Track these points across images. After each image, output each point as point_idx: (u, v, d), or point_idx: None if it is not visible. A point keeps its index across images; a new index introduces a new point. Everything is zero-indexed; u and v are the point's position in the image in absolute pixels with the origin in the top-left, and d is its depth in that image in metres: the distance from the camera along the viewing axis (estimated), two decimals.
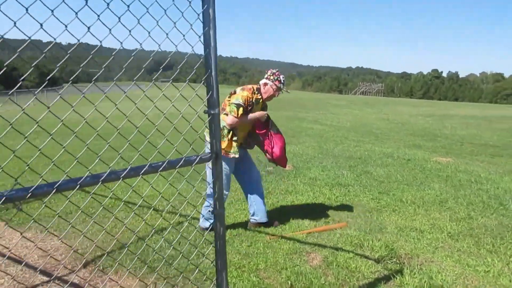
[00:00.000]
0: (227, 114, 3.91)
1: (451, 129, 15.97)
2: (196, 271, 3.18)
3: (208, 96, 1.92)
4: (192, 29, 1.85)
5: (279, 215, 4.71)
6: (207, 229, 4.09)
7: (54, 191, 1.54)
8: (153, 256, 3.54)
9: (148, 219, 4.49)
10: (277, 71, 4.14)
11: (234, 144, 3.97)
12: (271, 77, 4.09)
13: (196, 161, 1.89)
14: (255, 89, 4.08)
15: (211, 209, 4.13)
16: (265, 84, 4.10)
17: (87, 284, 3.21)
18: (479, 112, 30.71)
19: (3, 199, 1.43)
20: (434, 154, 9.21)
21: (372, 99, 52.68)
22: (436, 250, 3.82)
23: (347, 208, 5.07)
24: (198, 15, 1.86)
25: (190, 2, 1.83)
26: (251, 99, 3.99)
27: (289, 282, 3.18)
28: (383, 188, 6.00)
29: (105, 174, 1.63)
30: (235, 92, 4.03)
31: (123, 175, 1.68)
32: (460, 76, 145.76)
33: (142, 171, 1.73)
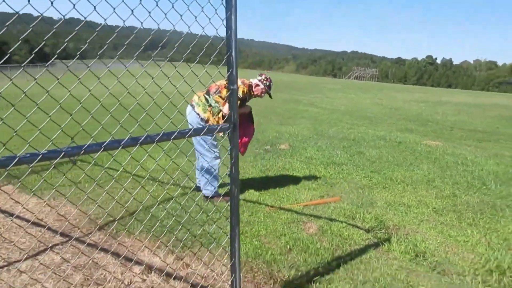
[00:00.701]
0: (224, 99, 4.32)
1: (442, 115, 16.37)
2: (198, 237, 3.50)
3: (229, 73, 2.19)
4: (217, 14, 2.11)
5: (277, 190, 5.02)
6: (208, 196, 4.55)
7: (102, 149, 1.82)
8: (160, 222, 3.85)
9: (155, 191, 4.79)
10: (269, 78, 4.68)
11: (221, 122, 4.31)
12: (264, 82, 4.59)
13: (217, 129, 2.17)
14: (251, 85, 4.58)
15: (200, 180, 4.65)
16: (257, 85, 4.60)
17: (100, 246, 3.52)
18: (472, 100, 31.18)
19: (62, 154, 1.72)
20: (425, 138, 9.57)
21: (367, 84, 52.93)
22: (421, 223, 4.18)
23: (341, 184, 5.40)
24: (222, 0, 2.12)
25: None
26: (246, 94, 4.47)
27: (288, 247, 3.52)
28: (374, 167, 6.34)
29: (142, 137, 1.91)
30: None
31: (157, 139, 1.96)
32: (454, 63, 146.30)
33: (173, 136, 2.01)
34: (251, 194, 4.84)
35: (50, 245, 3.50)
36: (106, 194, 4.39)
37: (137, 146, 1.93)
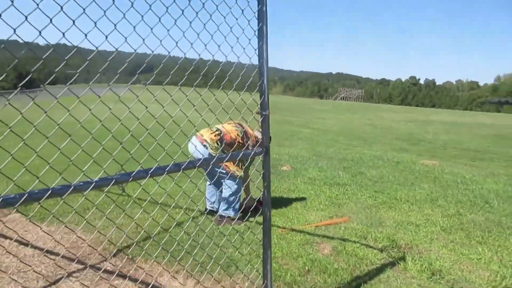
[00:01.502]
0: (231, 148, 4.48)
1: (433, 134, 16.67)
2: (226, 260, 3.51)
3: (261, 100, 2.27)
4: (250, 43, 2.20)
5: (286, 211, 5.07)
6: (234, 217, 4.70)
7: (148, 176, 1.87)
8: (177, 246, 3.85)
9: (174, 215, 4.79)
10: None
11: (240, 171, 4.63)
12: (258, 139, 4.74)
13: (251, 154, 2.24)
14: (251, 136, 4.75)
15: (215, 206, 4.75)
16: (258, 138, 4.74)
17: (118, 271, 3.50)
18: (458, 119, 31.81)
19: (113, 181, 1.76)
20: (421, 157, 9.74)
21: (355, 105, 53.71)
22: (432, 241, 4.25)
23: (348, 205, 5.47)
24: (255, 31, 2.22)
25: (249, 21, 2.19)
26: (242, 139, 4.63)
27: (306, 268, 3.55)
28: (377, 187, 6.43)
29: (185, 163, 1.97)
30: (248, 145, 4.55)
31: (198, 164, 2.02)
32: (437, 83, 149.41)
33: (212, 161, 2.07)
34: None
35: (67, 272, 3.47)
36: (122, 220, 4.38)
37: (180, 172, 1.98)
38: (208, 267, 3.46)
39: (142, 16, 1.72)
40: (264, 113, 2.27)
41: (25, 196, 1.53)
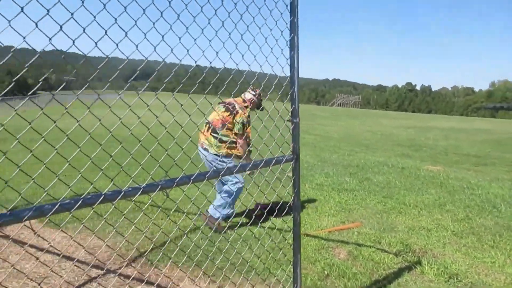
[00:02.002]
0: (232, 130, 4.51)
1: (433, 140, 16.80)
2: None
3: (292, 108, 2.34)
4: (283, 54, 2.28)
5: (302, 216, 5.12)
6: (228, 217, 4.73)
7: (190, 182, 1.93)
8: (194, 251, 3.90)
9: (185, 220, 4.84)
10: (261, 93, 4.90)
11: (241, 151, 4.58)
12: (257, 97, 4.80)
13: (283, 161, 2.31)
14: (247, 106, 4.75)
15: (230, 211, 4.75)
16: (253, 100, 4.78)
17: (136, 274, 3.54)
18: (456, 125, 32.03)
19: (159, 187, 1.82)
20: (424, 163, 9.83)
21: (353, 111, 53.93)
22: (445, 246, 4.31)
23: (358, 210, 5.53)
24: (287, 42, 2.29)
25: (282, 32, 2.26)
26: (249, 117, 4.68)
27: (325, 272, 3.60)
28: (385, 193, 6.50)
29: (223, 171, 2.03)
30: (236, 112, 4.56)
31: (234, 170, 2.08)
32: (433, 90, 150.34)
33: (235, 170, 2.13)
34: (275, 221, 4.92)
35: (91, 278, 3.51)
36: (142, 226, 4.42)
37: (219, 177, 2.04)
38: (224, 271, 3.51)
39: (187, 28, 1.79)
40: (295, 120, 2.34)
41: (80, 202, 1.59)
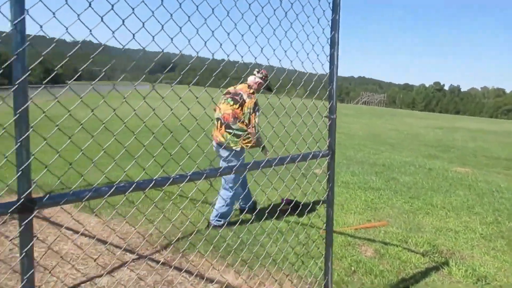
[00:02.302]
0: (243, 121, 4.42)
1: (462, 141, 16.47)
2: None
3: (330, 104, 2.39)
4: (324, 51, 2.33)
5: (324, 213, 5.16)
6: (221, 226, 4.48)
7: (232, 172, 2.01)
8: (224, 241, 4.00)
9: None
10: (267, 74, 4.71)
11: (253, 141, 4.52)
12: (264, 78, 4.67)
13: (320, 156, 2.36)
14: (254, 91, 4.60)
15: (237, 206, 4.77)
16: (260, 83, 4.66)
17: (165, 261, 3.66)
18: (484, 126, 31.26)
19: (204, 176, 1.90)
20: (452, 165, 9.69)
21: (378, 110, 53.21)
22: (473, 248, 4.28)
23: (384, 209, 5.53)
24: (328, 39, 2.34)
25: (323, 30, 2.31)
26: (257, 103, 4.52)
27: (352, 268, 3.65)
28: (412, 193, 6.46)
29: (263, 163, 2.10)
30: (244, 101, 4.45)
31: (262, 164, 2.15)
32: (462, 90, 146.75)
33: (274, 163, 2.20)
34: (302, 216, 4.98)
35: (123, 262, 3.65)
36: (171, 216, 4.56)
37: (259, 169, 2.12)
38: (254, 265, 3.60)
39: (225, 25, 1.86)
40: (332, 116, 2.39)
41: (133, 185, 1.69)
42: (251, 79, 4.67)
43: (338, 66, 2.37)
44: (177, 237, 4.13)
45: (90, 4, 1.48)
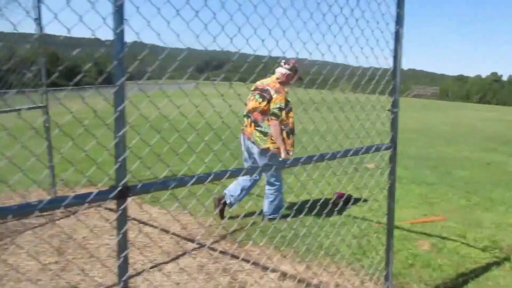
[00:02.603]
0: (268, 119, 4.32)
1: None
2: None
3: (393, 98, 2.45)
4: (388, 47, 2.38)
5: (379, 207, 5.16)
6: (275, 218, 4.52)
7: (299, 164, 2.12)
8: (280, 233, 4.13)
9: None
10: (296, 63, 4.50)
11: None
12: (293, 69, 4.47)
13: (382, 148, 2.43)
14: (282, 85, 4.43)
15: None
16: (288, 74, 4.46)
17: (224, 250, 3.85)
18: None
19: (259, 169, 2.02)
20: None
21: (429, 103, 51.29)
22: None
23: (440, 204, 5.45)
24: (392, 34, 2.39)
25: (387, 24, 2.36)
26: (287, 99, 4.37)
27: (409, 262, 3.67)
28: (469, 188, 6.29)
29: (329, 155, 2.20)
30: (271, 98, 4.32)
31: (328, 156, 2.24)
32: None
33: (339, 155, 2.28)
34: (354, 210, 5.02)
35: (185, 250, 3.88)
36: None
37: (311, 163, 2.22)
38: (311, 255, 3.70)
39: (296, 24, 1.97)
40: (394, 110, 2.44)
41: (211, 176, 1.84)
42: (279, 71, 4.48)
43: (401, 61, 2.42)
44: (234, 228, 4.30)
45: (138, 9, 1.60)
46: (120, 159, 1.63)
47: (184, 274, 3.37)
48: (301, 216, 4.09)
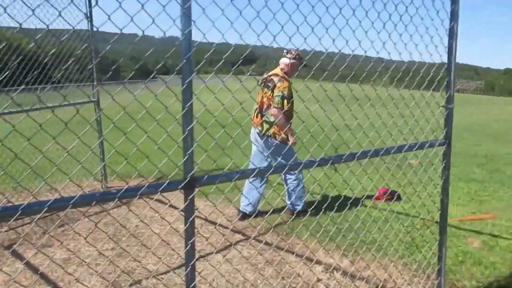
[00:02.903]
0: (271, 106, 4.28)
1: None
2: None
3: (448, 94, 2.43)
4: (442, 43, 2.37)
5: (425, 204, 5.09)
6: (248, 214, 4.57)
7: (354, 159, 2.16)
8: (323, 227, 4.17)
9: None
10: (298, 52, 4.41)
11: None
12: (298, 58, 4.42)
13: (436, 145, 2.43)
14: (286, 74, 4.40)
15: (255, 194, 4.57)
16: (292, 64, 4.41)
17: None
18: None
19: (330, 162, 2.08)
20: None
21: (474, 98, 49.29)
22: None
23: (490, 202, 5.30)
24: (447, 30, 2.38)
25: (442, 21, 2.35)
26: (291, 88, 4.30)
27: (459, 258, 3.62)
28: None
29: (383, 150, 2.22)
30: (274, 86, 4.30)
31: (393, 151, 2.26)
32: None
33: (393, 151, 2.30)
34: (397, 206, 4.97)
35: (229, 242, 3.99)
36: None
37: (367, 158, 2.24)
38: (358, 249, 3.72)
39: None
40: (449, 106, 2.43)
41: (271, 169, 1.92)
42: (283, 62, 4.45)
43: (456, 57, 2.40)
44: (277, 222, 4.38)
45: (203, 10, 1.74)
46: (188, 152, 1.73)
47: (234, 264, 3.48)
48: (344, 211, 4.12)
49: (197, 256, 3.81)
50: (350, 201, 4.96)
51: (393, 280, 3.26)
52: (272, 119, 4.31)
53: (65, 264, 3.50)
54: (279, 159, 3.93)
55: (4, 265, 3.50)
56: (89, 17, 5.16)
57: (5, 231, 4.17)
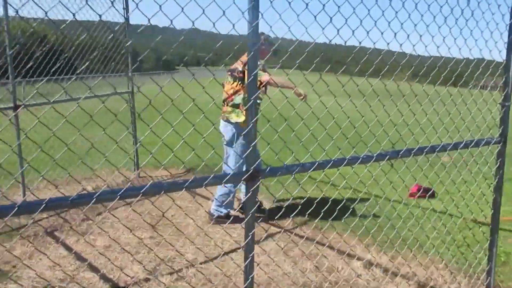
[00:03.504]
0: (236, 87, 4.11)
1: None
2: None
3: (505, 91, 2.38)
4: (502, 38, 2.31)
5: (460, 202, 5.00)
6: (222, 217, 4.31)
7: (398, 156, 2.13)
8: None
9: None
10: (267, 36, 4.20)
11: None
12: (265, 42, 4.15)
13: (492, 142, 2.38)
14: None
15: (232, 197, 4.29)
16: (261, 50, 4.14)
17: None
18: None
19: (387, 157, 2.06)
20: None
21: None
22: None
23: None
24: (507, 25, 2.32)
25: (503, 16, 2.29)
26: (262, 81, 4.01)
27: (501, 259, 3.55)
28: None
29: (427, 148, 2.19)
30: (239, 72, 4.10)
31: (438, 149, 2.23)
32: None
33: (426, 150, 2.26)
34: (436, 203, 4.90)
35: (269, 234, 4.01)
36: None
37: (386, 158, 2.21)
38: (397, 246, 3.67)
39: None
40: (506, 104, 2.38)
41: (330, 163, 1.91)
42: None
43: None
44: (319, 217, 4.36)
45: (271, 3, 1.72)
46: (252, 144, 1.74)
47: (272, 256, 3.49)
48: (386, 209, 4.11)
49: (236, 245, 3.86)
50: (393, 198, 4.90)
51: (434, 279, 3.22)
52: (239, 101, 4.13)
53: (107, 251, 3.58)
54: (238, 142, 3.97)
55: (47, 250, 3.60)
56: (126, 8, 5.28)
57: (45, 218, 4.28)
